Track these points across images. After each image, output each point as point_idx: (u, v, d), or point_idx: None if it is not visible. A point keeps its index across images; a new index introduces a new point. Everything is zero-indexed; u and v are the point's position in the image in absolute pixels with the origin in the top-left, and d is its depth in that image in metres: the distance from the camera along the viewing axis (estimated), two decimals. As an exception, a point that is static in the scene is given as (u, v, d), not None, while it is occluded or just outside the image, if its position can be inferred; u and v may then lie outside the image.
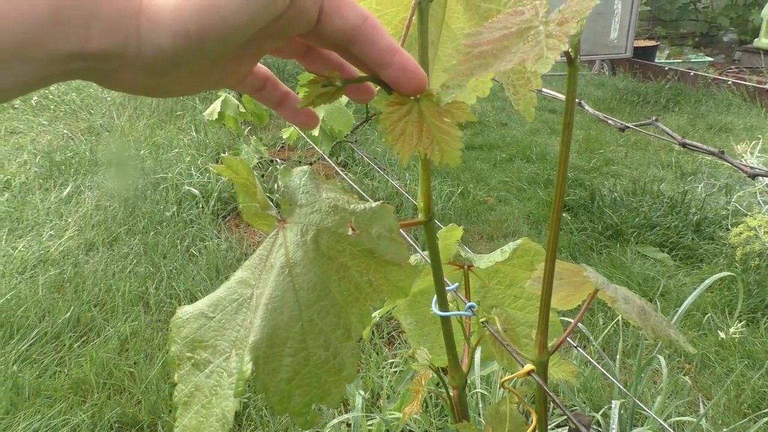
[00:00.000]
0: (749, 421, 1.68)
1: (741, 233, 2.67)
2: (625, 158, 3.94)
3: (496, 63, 0.57)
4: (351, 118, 2.37)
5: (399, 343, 2.06)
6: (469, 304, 0.81)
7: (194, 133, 3.68)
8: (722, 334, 1.84)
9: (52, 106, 4.67)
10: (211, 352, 0.63)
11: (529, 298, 0.97)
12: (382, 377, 1.79)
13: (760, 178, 3.40)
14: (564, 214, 3.06)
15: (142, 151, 3.59)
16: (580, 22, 0.53)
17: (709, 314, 2.12)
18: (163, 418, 1.65)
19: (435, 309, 0.82)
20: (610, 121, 1.32)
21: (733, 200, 3.04)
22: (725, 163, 3.23)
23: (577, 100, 0.88)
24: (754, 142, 3.78)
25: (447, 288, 0.84)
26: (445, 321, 0.82)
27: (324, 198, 0.64)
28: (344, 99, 2.55)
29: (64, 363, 1.88)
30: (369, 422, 1.47)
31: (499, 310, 0.87)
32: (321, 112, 2.30)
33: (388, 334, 2.09)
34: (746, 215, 2.85)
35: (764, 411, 1.66)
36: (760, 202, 3.04)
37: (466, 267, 0.95)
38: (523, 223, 2.97)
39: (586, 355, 1.25)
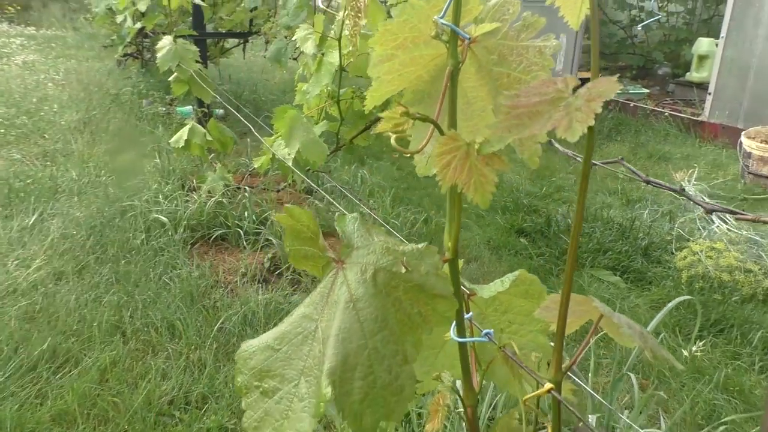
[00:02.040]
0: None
1: (685, 257, 2.87)
2: (575, 185, 4.15)
3: (532, 125, 0.69)
4: (326, 150, 2.45)
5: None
6: (485, 331, 0.91)
7: (158, 160, 3.68)
8: (686, 352, 2.00)
9: (1, 130, 4.56)
10: (279, 380, 0.71)
11: (522, 323, 1.08)
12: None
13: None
14: (522, 240, 3.22)
15: (103, 178, 3.57)
16: (603, 102, 0.65)
17: (662, 334, 2.29)
18: (152, 446, 1.68)
19: (453, 335, 0.91)
20: (579, 158, 1.46)
21: (676, 226, 3.27)
22: (666, 191, 3.41)
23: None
24: (690, 171, 4.05)
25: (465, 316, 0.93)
26: (462, 346, 0.92)
27: (377, 241, 0.74)
28: (319, 131, 2.64)
29: (44, 395, 1.87)
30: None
31: (507, 335, 0.97)
32: (297, 144, 2.38)
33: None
34: (689, 240, 3.07)
35: (717, 422, 1.81)
36: (700, 227, 3.27)
37: (466, 296, 1.05)
38: (484, 248, 3.11)
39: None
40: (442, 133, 0.71)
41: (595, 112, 0.64)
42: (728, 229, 3.24)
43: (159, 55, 3.29)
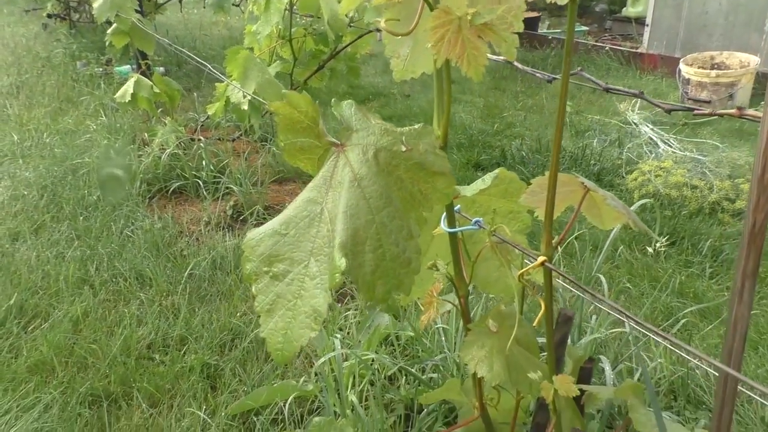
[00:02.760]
0: (663, 329, 1.95)
1: (636, 178, 2.99)
2: (525, 121, 4.23)
3: (520, -6, 0.71)
4: (282, 89, 2.42)
5: (348, 299, 2.17)
6: (475, 219, 0.94)
7: (104, 118, 3.56)
8: (651, 249, 2.11)
9: (-72, 99, 4.32)
10: (289, 263, 0.73)
11: (502, 223, 1.11)
12: (341, 329, 1.90)
13: (644, 131, 3.73)
14: (479, 173, 3.27)
15: (47, 139, 3.44)
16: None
17: (620, 248, 2.40)
18: (136, 386, 1.68)
19: (444, 226, 0.94)
20: (538, 74, 1.49)
21: (624, 151, 3.38)
22: (612, 120, 3.53)
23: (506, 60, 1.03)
24: (633, 101, 4.18)
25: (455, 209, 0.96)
26: (453, 240, 0.96)
27: (374, 124, 0.75)
28: (273, 71, 2.60)
29: (17, 348, 1.84)
30: (344, 363, 1.59)
31: (498, 223, 1.01)
32: (252, 85, 2.35)
33: (337, 292, 2.19)
34: (638, 163, 3.19)
35: (674, 319, 1.93)
36: (647, 152, 3.40)
37: (449, 198, 1.07)
38: (443, 184, 3.15)
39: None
40: (432, 8, 0.72)
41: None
42: (673, 151, 3.38)
43: (95, 5, 3.15)
